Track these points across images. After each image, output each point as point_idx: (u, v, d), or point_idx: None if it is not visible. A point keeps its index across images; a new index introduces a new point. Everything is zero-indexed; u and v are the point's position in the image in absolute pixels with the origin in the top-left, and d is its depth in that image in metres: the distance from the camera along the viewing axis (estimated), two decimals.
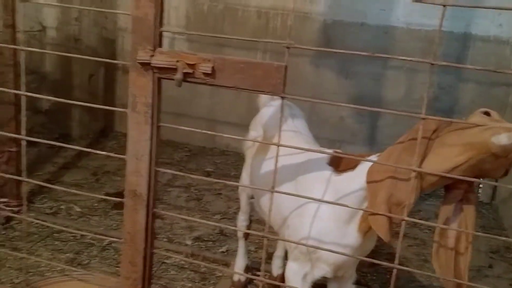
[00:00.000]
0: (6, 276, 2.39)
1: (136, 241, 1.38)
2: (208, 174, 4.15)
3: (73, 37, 4.49)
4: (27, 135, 1.58)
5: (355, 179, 1.58)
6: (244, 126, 2.51)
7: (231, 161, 4.49)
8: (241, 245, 2.58)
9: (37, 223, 2.90)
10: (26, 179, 1.60)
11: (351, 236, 1.63)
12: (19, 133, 2.64)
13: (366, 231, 1.61)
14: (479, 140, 1.30)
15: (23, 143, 1.58)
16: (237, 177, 3.19)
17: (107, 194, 3.46)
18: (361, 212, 1.59)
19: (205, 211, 3.50)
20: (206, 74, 1.31)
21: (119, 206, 3.34)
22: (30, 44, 4.15)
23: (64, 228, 2.16)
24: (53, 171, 3.88)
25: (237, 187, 2.92)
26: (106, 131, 4.96)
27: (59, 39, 4.37)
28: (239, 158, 4.29)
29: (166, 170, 1.44)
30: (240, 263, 2.58)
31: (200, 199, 3.68)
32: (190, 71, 1.32)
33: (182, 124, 1.48)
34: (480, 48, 4.07)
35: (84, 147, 4.27)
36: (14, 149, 2.83)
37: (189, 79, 1.33)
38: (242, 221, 2.55)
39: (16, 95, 2.74)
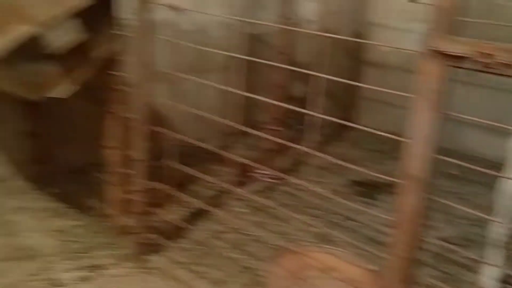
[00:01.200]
0: (267, 238, 2.68)
1: (410, 224, 1.42)
2: (452, 178, 3.96)
3: (327, 29, 4.73)
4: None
5: None
6: (496, 130, 2.30)
7: (477, 166, 4.19)
8: (498, 253, 2.39)
9: (292, 196, 3.18)
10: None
11: None
12: (282, 117, 2.97)
13: None
14: None
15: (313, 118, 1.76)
16: (483, 184, 2.97)
17: (351, 181, 3.60)
18: None
19: (447, 213, 3.36)
20: (504, 65, 1.27)
21: (364, 194, 3.48)
22: (290, 34, 4.51)
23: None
24: (299, 152, 4.18)
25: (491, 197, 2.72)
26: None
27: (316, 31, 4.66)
28: (487, 165, 3.98)
29: (445, 158, 1.44)
30: (495, 271, 2.39)
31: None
32: (486, 61, 1.29)
33: None
34: None
35: (327, 135, 4.52)
36: (278, 128, 3.17)
37: (484, 69, 1.31)
38: (500, 227, 2.36)
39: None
